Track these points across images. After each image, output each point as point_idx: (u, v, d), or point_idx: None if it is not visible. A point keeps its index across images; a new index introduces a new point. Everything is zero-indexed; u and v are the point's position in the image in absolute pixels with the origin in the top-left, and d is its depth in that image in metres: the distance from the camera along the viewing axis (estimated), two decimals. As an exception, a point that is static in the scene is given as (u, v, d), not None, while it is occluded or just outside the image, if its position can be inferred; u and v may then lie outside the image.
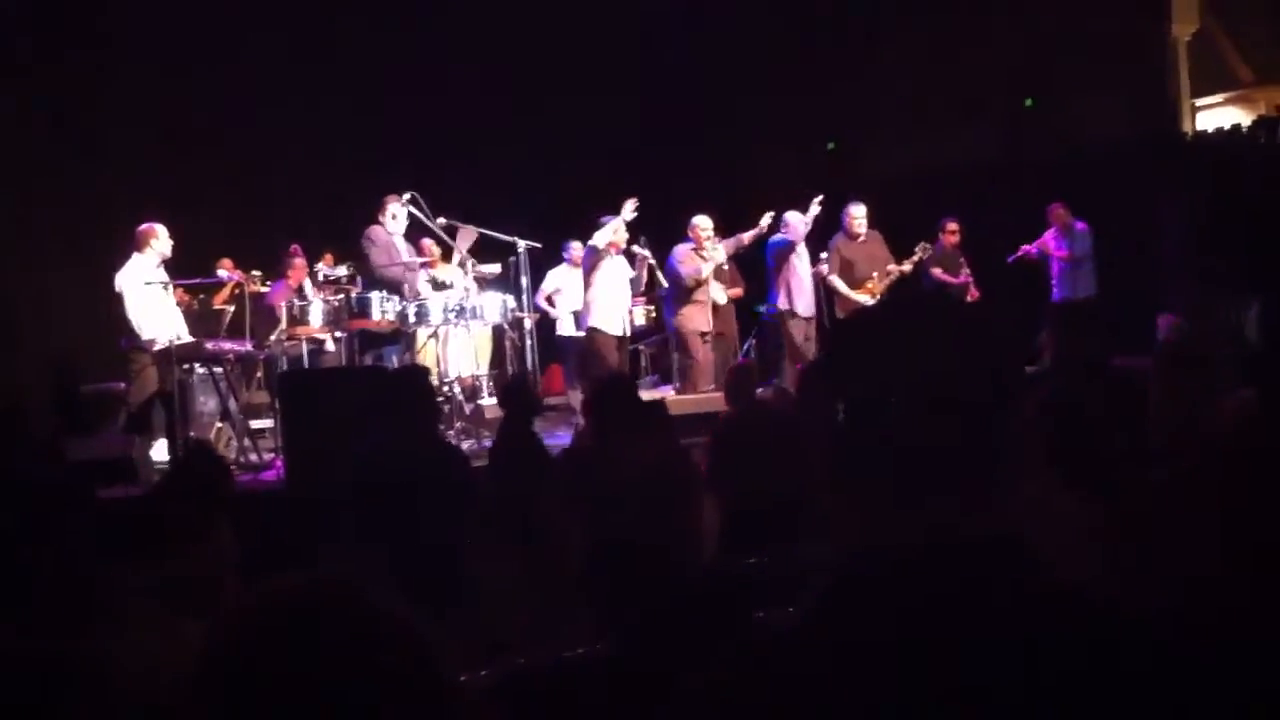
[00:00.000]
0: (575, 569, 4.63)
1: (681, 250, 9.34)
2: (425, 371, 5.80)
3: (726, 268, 9.65)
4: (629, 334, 9.53)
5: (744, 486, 5.07)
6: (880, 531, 1.21)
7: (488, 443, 7.22)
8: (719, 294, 9.57)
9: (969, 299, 10.06)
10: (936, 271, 10.21)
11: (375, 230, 8.77)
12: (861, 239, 9.91)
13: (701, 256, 9.31)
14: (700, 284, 9.27)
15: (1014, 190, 11.78)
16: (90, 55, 10.79)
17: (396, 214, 8.84)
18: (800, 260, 9.62)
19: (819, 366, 6.44)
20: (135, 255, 8.12)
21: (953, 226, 10.40)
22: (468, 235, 9.03)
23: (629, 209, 9.01)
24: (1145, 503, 1.49)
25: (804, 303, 9.59)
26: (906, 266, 9.98)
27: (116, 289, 8.00)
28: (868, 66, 13.42)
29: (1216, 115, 14.10)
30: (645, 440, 4.70)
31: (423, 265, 9.15)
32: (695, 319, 9.31)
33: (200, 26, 11.10)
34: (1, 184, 10.65)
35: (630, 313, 9.69)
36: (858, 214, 9.84)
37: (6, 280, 10.88)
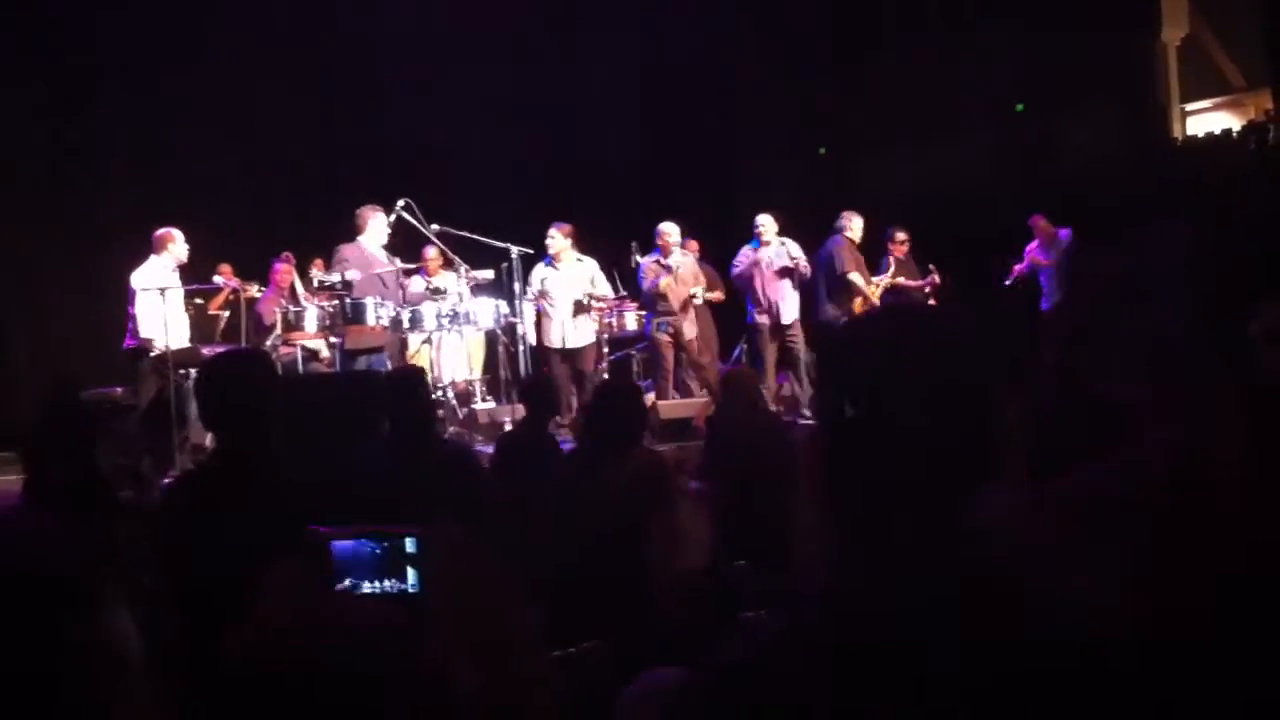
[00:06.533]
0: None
1: (645, 262, 9.32)
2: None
3: (698, 272, 9.55)
4: (566, 345, 9.20)
5: (737, 490, 5.15)
6: (853, 545, 1.26)
7: (480, 446, 7.24)
8: (702, 294, 9.52)
9: (931, 298, 10.15)
10: (900, 280, 10.28)
11: (344, 247, 8.56)
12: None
13: (663, 265, 9.22)
14: (662, 296, 9.19)
15: (1006, 203, 11.80)
16: (86, 61, 10.81)
17: (376, 226, 8.62)
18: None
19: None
20: (152, 257, 8.15)
21: (901, 236, 10.46)
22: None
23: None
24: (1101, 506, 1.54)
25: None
26: (903, 279, 10.21)
27: (131, 288, 8.03)
28: (860, 80, 13.48)
29: (1207, 120, 14.19)
30: (620, 455, 4.78)
31: (409, 272, 8.99)
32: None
33: (196, 35, 11.15)
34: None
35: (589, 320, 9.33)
36: (856, 225, 9.97)
37: (2, 289, 10.90)
